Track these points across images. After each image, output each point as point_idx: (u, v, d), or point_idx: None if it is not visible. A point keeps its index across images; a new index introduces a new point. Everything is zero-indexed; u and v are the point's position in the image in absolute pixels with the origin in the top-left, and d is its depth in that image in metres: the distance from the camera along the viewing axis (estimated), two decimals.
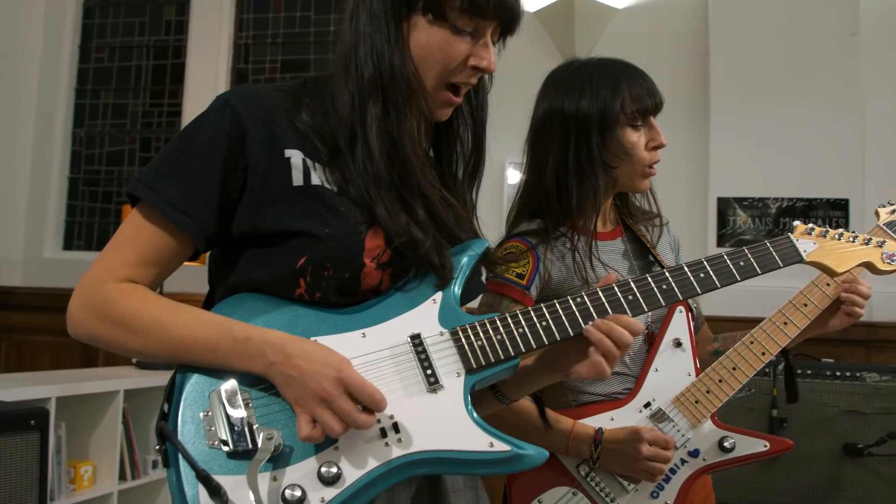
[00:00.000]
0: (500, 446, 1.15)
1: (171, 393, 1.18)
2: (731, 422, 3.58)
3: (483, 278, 1.49)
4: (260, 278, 1.22)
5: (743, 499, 3.46)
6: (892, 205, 1.77)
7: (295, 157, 1.23)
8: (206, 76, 5.28)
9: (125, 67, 5.58)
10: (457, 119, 1.38)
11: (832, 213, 4.11)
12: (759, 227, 4.17)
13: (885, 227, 1.72)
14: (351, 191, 1.23)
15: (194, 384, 1.17)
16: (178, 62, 5.44)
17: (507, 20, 1.28)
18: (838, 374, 3.50)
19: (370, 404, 1.12)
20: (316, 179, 1.23)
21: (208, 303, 1.32)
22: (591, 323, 1.24)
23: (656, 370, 1.71)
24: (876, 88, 4.21)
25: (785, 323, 1.71)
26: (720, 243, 4.20)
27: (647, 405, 1.70)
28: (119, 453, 3.59)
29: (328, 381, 1.10)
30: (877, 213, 1.77)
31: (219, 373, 1.17)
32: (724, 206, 4.21)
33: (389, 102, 1.25)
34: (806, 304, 1.72)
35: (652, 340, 1.74)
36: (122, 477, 3.63)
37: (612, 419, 1.68)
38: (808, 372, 3.48)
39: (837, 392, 3.48)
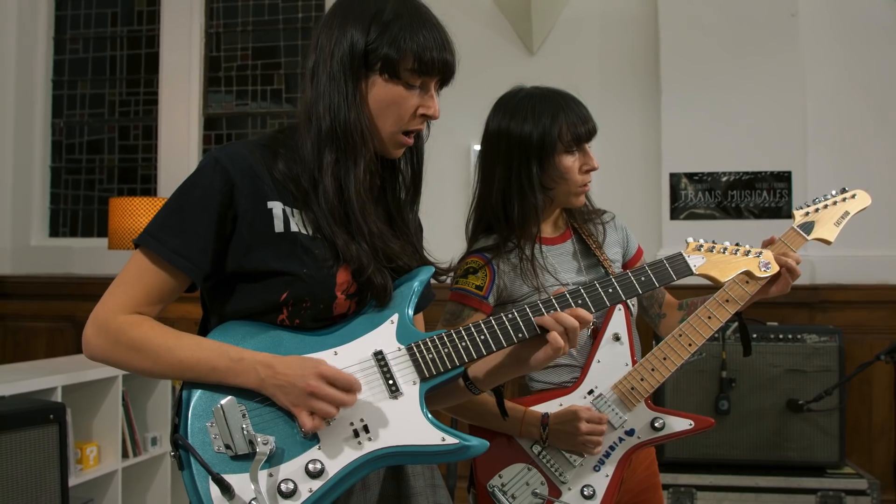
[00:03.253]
0: (450, 440, 1.43)
1: (180, 407, 1.44)
2: (684, 383, 3.89)
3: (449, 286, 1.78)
4: (248, 308, 1.49)
5: (698, 454, 3.80)
6: (808, 207, 2.03)
7: (276, 207, 1.48)
8: (180, 65, 5.45)
9: (100, 58, 5.72)
10: (399, 159, 1.64)
11: (776, 184, 4.40)
12: (709, 200, 4.46)
13: (797, 229, 1.99)
14: (321, 231, 1.49)
15: (198, 399, 1.43)
16: (152, 51, 5.59)
17: (446, 75, 1.55)
18: (781, 336, 3.80)
19: (347, 386, 1.39)
20: (294, 226, 1.48)
21: (203, 327, 1.58)
22: (550, 314, 1.49)
23: (598, 361, 2.00)
24: (815, 66, 4.48)
25: (709, 317, 1.97)
26: (673, 216, 4.48)
27: (591, 392, 1.98)
28: (121, 433, 3.83)
29: (311, 378, 1.38)
30: (793, 216, 2.04)
31: (217, 388, 1.43)
32: (676, 181, 4.49)
33: (341, 151, 1.50)
34: (728, 301, 1.97)
35: (596, 334, 2.03)
36: (125, 455, 3.88)
37: (561, 404, 1.97)
38: (755, 335, 3.77)
39: (781, 353, 3.78)
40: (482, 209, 2.06)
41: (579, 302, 1.53)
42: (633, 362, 2.01)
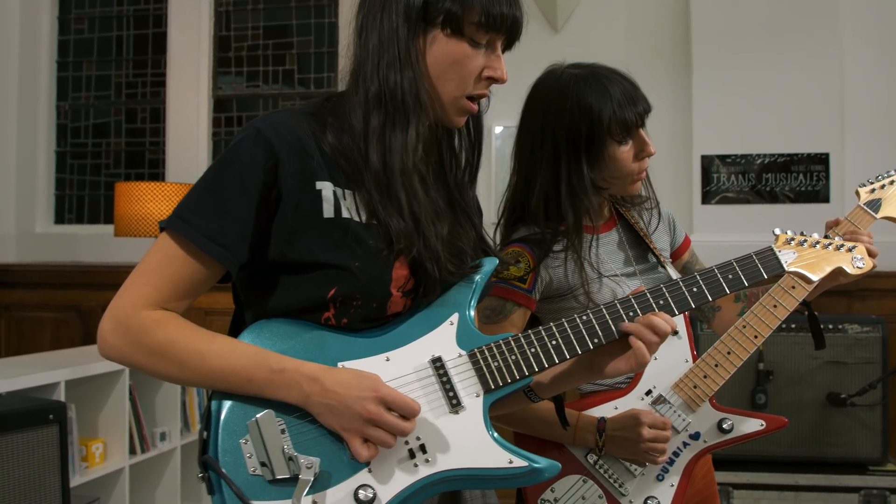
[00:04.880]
0: (519, 462, 1.25)
1: (209, 421, 1.25)
2: None
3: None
4: (290, 304, 1.30)
5: (734, 450, 3.60)
6: (872, 184, 1.87)
7: (326, 189, 1.28)
8: (189, 45, 5.27)
9: (106, 38, 5.54)
10: (455, 132, 1.46)
11: (813, 167, 4.21)
12: (742, 184, 4.27)
13: (865, 207, 1.83)
14: (377, 216, 1.29)
15: (230, 412, 1.24)
16: (160, 31, 5.41)
17: (514, 35, 1.37)
18: (821, 325, 3.60)
19: (408, 413, 1.22)
20: (345, 212, 1.29)
21: (236, 324, 1.39)
22: (630, 322, 1.33)
23: (655, 358, 1.79)
24: (853, 43, 4.28)
25: (775, 306, 1.78)
26: (705, 200, 4.29)
27: (649, 392, 1.80)
28: (128, 429, 3.68)
29: (370, 402, 1.19)
30: (857, 193, 1.87)
31: (252, 400, 1.24)
32: (708, 164, 4.30)
33: (388, 115, 1.30)
34: (794, 287, 1.79)
35: None
36: (133, 451, 3.73)
37: (616, 408, 1.78)
38: (793, 325, 3.59)
39: None
40: (520, 211, 1.84)
41: (661, 303, 1.36)
42: (694, 358, 1.82)
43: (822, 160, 4.21)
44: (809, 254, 1.47)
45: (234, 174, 1.26)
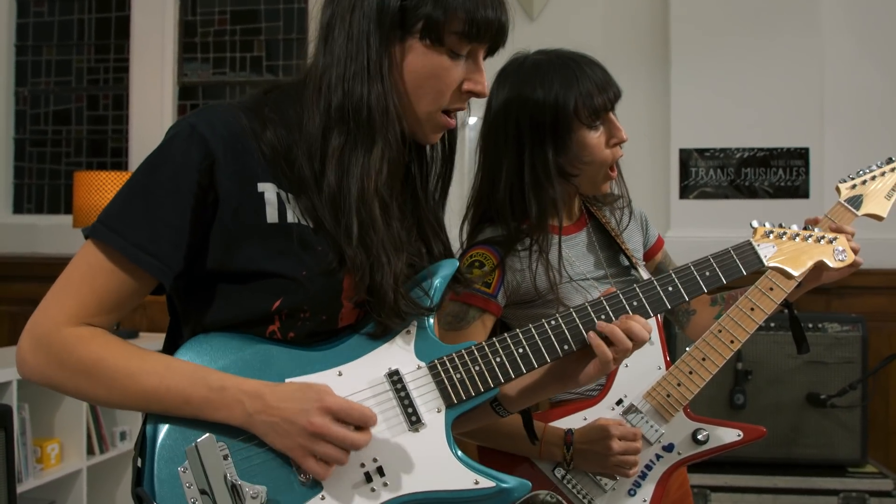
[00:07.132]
0: (486, 483, 1.16)
1: (143, 447, 1.14)
2: None
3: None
4: (231, 318, 1.19)
5: None
6: (852, 179, 1.77)
7: (269, 191, 1.17)
8: (153, 29, 5.10)
9: (67, 21, 5.36)
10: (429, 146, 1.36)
11: (793, 162, 4.13)
12: (720, 178, 4.18)
13: (845, 204, 1.73)
14: (326, 224, 1.18)
15: (167, 437, 1.14)
16: (123, 15, 5.24)
17: (498, 41, 1.25)
18: (803, 327, 3.53)
19: (360, 422, 1.12)
20: (291, 216, 1.18)
21: (172, 339, 1.28)
22: (595, 329, 1.25)
23: (626, 365, 1.69)
24: (834, 36, 4.20)
25: (752, 309, 1.70)
26: (683, 195, 4.21)
27: (620, 402, 1.69)
28: (85, 428, 3.56)
29: (314, 414, 1.09)
30: (837, 189, 1.78)
31: (192, 423, 1.13)
32: (686, 157, 4.21)
33: (351, 134, 1.18)
34: (772, 288, 1.70)
35: None
36: (91, 452, 3.61)
37: (585, 418, 1.67)
38: (772, 324, 3.52)
39: None
40: (485, 206, 1.73)
41: (634, 304, 1.26)
42: (667, 365, 1.72)
43: (802, 155, 4.13)
44: (789, 247, 1.40)
45: (166, 175, 1.14)
